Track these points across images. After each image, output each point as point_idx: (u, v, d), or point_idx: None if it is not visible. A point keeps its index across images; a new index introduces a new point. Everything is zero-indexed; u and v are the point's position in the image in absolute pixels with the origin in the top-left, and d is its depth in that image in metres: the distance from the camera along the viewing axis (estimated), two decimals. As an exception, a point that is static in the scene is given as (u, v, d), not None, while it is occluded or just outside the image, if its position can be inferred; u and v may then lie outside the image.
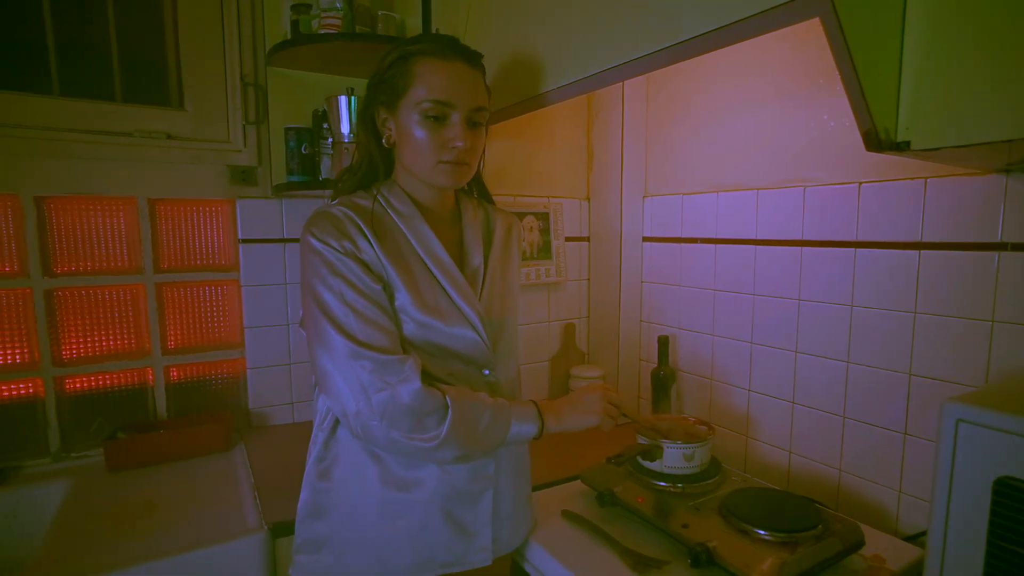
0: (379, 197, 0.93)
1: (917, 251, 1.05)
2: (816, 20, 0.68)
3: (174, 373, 1.53)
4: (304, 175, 1.49)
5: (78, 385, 1.42)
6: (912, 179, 1.05)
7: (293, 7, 1.44)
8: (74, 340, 1.41)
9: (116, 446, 1.35)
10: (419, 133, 0.88)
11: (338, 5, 1.36)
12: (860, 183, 1.14)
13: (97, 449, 1.39)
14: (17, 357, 1.35)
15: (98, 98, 1.40)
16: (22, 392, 1.36)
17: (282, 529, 1.08)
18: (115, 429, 1.40)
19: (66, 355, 1.40)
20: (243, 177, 1.55)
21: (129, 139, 1.42)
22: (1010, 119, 0.65)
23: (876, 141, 0.73)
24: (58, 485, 1.28)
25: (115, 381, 1.46)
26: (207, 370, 1.57)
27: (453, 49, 0.88)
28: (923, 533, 1.02)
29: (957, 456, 0.67)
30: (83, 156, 1.37)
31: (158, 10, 1.46)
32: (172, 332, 1.52)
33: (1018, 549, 0.63)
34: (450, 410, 0.82)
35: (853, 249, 1.15)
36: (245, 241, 1.56)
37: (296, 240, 1.60)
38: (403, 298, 0.87)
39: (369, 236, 0.87)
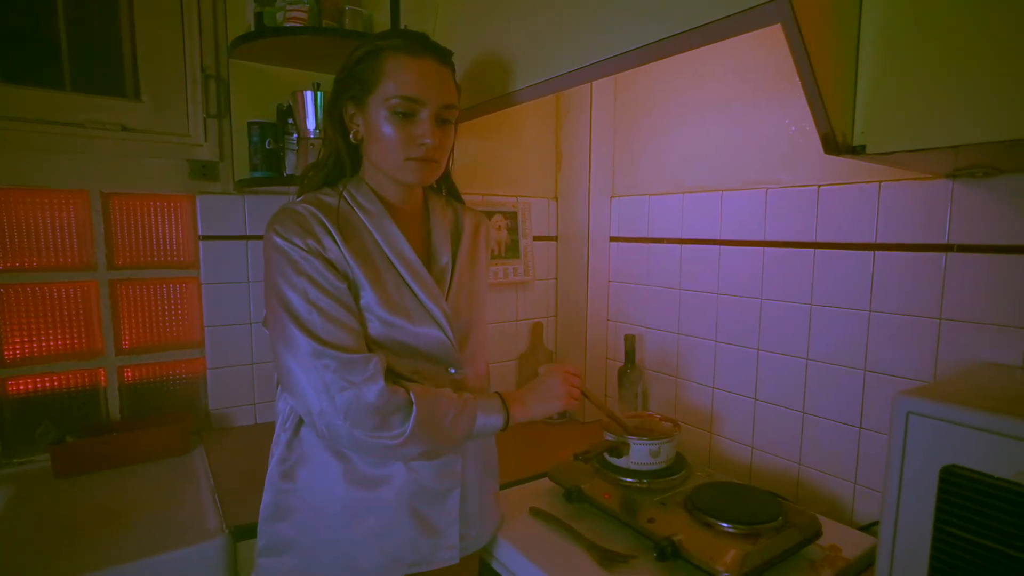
0: (345, 194, 0.92)
1: (872, 252, 1.10)
2: (779, 27, 0.70)
3: (128, 374, 1.47)
4: (268, 171, 1.45)
5: (22, 387, 1.35)
6: (867, 183, 1.10)
7: (257, -1, 1.40)
8: (18, 340, 1.34)
9: (63, 450, 1.29)
10: (387, 129, 0.87)
11: (304, -2, 1.33)
12: (819, 186, 1.18)
13: (43, 454, 1.32)
14: (-44, 358, 1.28)
15: (45, 86, 1.33)
16: (-39, 395, 1.29)
17: (244, 532, 1.05)
18: (63, 433, 1.33)
19: (9, 355, 1.33)
20: (204, 172, 1.51)
21: (81, 130, 1.36)
22: (957, 126, 0.69)
23: (834, 144, 0.76)
24: (-1, 492, 1.22)
25: (64, 382, 1.40)
26: (164, 370, 1.51)
27: (423, 45, 0.88)
28: (877, 523, 1.06)
29: (907, 446, 0.71)
30: (29, 147, 1.30)
31: (112, -4, 1.40)
32: (127, 331, 1.46)
33: (961, 533, 0.66)
34: (414, 406, 0.82)
35: (812, 250, 1.19)
36: (206, 238, 1.51)
37: (259, 237, 1.56)
38: (368, 297, 0.86)
39: (334, 234, 0.86)
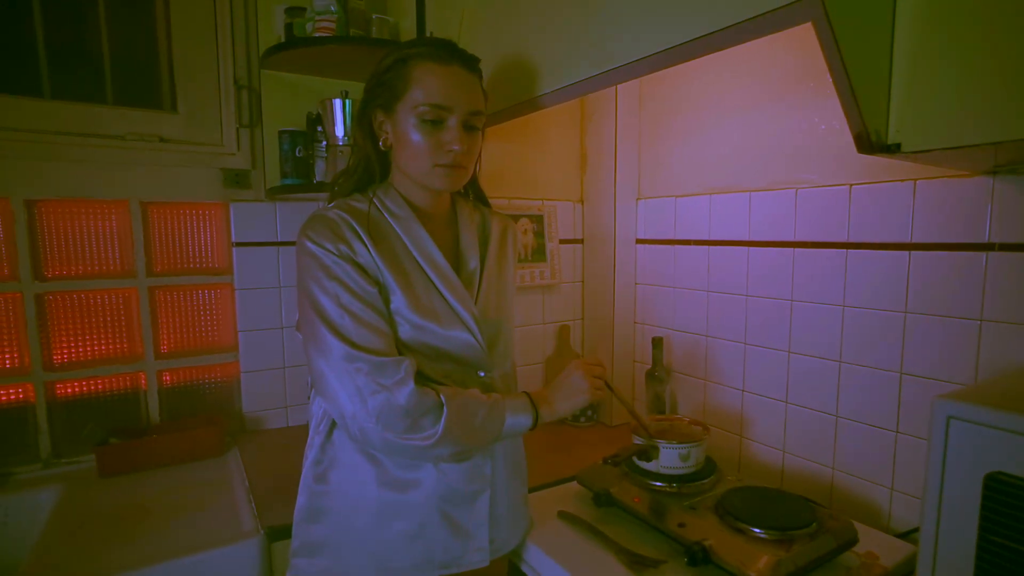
0: (375, 200, 0.93)
1: (907, 252, 1.07)
2: (808, 24, 0.69)
3: (167, 377, 1.52)
4: (298, 178, 1.49)
5: (69, 390, 1.41)
6: (902, 181, 1.07)
7: (287, 10, 1.44)
8: (65, 345, 1.39)
9: (108, 451, 1.34)
10: (416, 136, 0.88)
11: (332, 8, 1.36)
12: (851, 185, 1.15)
13: (89, 455, 1.38)
14: (7, 362, 1.34)
15: (90, 101, 1.39)
16: (12, 398, 1.35)
17: (278, 533, 1.08)
18: (107, 434, 1.39)
19: (57, 360, 1.39)
20: (236, 180, 1.55)
21: (121, 142, 1.41)
22: (997, 122, 0.66)
23: (867, 143, 0.74)
24: (49, 491, 1.27)
25: (107, 386, 1.45)
26: (200, 374, 1.56)
27: (451, 53, 0.89)
28: (915, 530, 1.03)
29: (948, 452, 0.68)
30: (74, 159, 1.36)
31: (150, 13, 1.46)
32: (165, 336, 1.51)
33: (1008, 543, 0.64)
34: (445, 408, 0.83)
35: (844, 250, 1.17)
36: (239, 244, 1.55)
37: (290, 243, 1.60)
38: (399, 301, 0.88)
39: (365, 239, 0.87)
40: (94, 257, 1.41)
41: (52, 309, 1.37)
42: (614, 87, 1.63)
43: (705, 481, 1.11)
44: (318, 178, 1.47)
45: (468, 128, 0.91)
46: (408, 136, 0.89)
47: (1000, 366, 0.96)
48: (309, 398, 0.98)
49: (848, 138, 0.76)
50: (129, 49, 1.45)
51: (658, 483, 1.10)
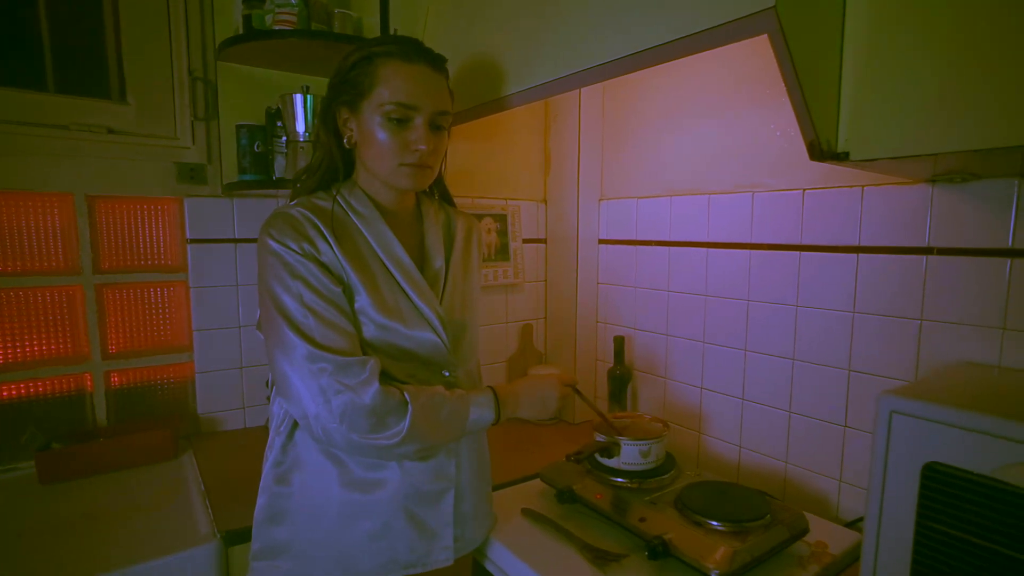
0: (339, 198, 0.92)
1: (855, 254, 1.13)
2: (766, 36, 0.72)
3: (115, 378, 1.45)
4: (257, 174, 1.44)
5: (5, 393, 1.33)
6: (851, 187, 1.12)
7: (245, 1, 1.40)
8: (1, 345, 1.31)
9: (50, 457, 1.27)
10: (381, 135, 0.88)
11: (293, 1, 1.33)
12: (804, 190, 1.20)
13: (28, 461, 1.31)
14: (-62, 364, 1.25)
15: (28, 88, 1.32)
16: (-57, 402, 1.27)
17: (236, 537, 1.05)
18: (49, 439, 1.32)
19: (-7, 361, 1.31)
20: (191, 175, 1.49)
21: (65, 132, 1.34)
22: (935, 135, 0.71)
23: (819, 151, 0.78)
24: (-16, 501, 1.20)
25: (49, 388, 1.38)
26: (152, 375, 1.50)
27: (418, 52, 0.88)
28: (862, 519, 1.09)
29: (891, 444, 0.73)
30: (11, 149, 1.28)
31: (96, -3, 1.39)
32: (113, 336, 1.44)
33: (942, 528, 0.68)
34: (410, 406, 0.83)
35: (798, 252, 1.22)
36: (194, 241, 1.50)
37: (249, 240, 1.56)
38: (363, 300, 0.87)
39: (328, 238, 0.86)
40: (34, 253, 1.33)
41: (-12, 308, 1.29)
42: (578, 90, 1.64)
43: (665, 476, 1.14)
44: (278, 174, 1.44)
45: (434, 128, 0.90)
46: (374, 135, 0.88)
47: (939, 362, 1.02)
48: (268, 399, 0.96)
49: (802, 145, 0.79)
50: (72, 34, 1.38)
51: (620, 479, 1.13)
